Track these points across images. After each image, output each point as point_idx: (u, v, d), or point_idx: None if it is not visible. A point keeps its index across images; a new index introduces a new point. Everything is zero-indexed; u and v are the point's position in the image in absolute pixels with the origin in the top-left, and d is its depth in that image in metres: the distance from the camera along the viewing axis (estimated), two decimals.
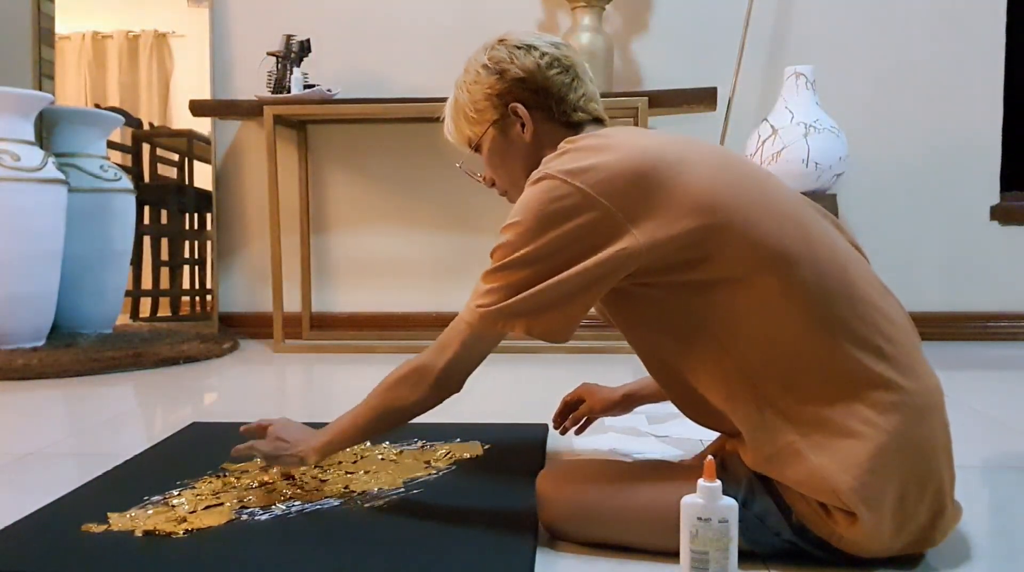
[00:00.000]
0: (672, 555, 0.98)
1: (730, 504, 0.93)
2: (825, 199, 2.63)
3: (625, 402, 1.46)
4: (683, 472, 1.09)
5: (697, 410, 1.10)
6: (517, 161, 1.20)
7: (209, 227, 3.18)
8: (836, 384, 0.97)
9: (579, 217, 1.00)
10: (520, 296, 1.02)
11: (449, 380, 1.13)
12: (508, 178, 1.23)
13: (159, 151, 3.37)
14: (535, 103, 1.17)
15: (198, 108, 2.92)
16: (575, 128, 1.18)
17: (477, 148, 1.23)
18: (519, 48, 1.18)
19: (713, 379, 1.03)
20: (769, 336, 0.99)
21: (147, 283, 3.33)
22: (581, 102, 1.18)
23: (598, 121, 1.21)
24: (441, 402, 1.15)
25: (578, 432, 1.51)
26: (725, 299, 1.00)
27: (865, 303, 1.00)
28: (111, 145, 3.15)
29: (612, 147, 1.04)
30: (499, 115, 1.18)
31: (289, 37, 2.86)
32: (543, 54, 1.17)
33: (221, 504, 1.26)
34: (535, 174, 1.06)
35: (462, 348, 1.11)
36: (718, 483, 0.93)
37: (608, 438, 1.66)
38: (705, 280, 1.00)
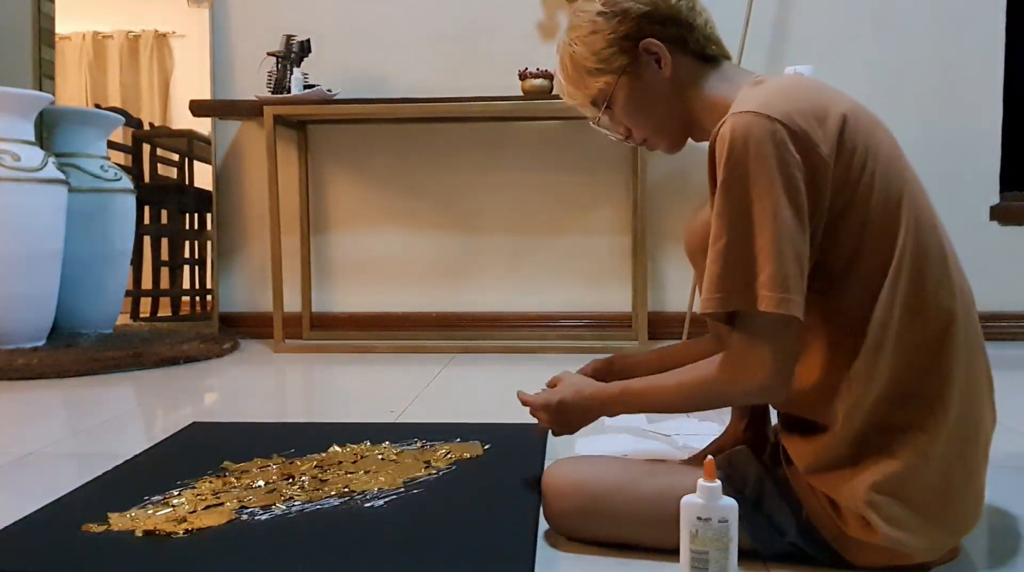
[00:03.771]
0: (675, 552, 0.98)
1: (730, 504, 0.92)
2: None
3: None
4: (689, 469, 1.09)
5: (796, 391, 1.05)
6: (660, 103, 1.11)
7: (209, 227, 3.18)
8: (912, 409, 0.97)
9: (801, 163, 0.93)
10: (785, 260, 0.92)
11: (786, 383, 0.98)
12: (650, 124, 1.13)
13: (159, 151, 3.37)
14: (666, 36, 1.08)
15: (198, 108, 2.92)
16: (713, 63, 1.10)
17: (609, 102, 1.12)
18: None
19: (829, 366, 0.99)
20: (892, 340, 0.96)
21: (147, 283, 3.33)
22: (707, 29, 1.10)
23: (729, 59, 1.14)
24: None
25: None
26: (866, 284, 0.97)
27: (970, 338, 1.00)
28: (111, 145, 3.15)
29: (819, 90, 1.00)
30: (630, 59, 1.09)
31: (289, 37, 2.86)
32: None
33: (221, 504, 1.26)
34: (736, 114, 0.96)
35: (778, 342, 0.95)
36: (718, 483, 0.92)
37: (609, 438, 1.66)
38: (855, 258, 0.97)
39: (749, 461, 1.06)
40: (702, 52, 1.10)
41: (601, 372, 1.38)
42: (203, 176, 3.21)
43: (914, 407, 0.97)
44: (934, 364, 0.97)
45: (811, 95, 0.98)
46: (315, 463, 1.45)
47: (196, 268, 3.32)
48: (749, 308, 0.93)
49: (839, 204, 0.96)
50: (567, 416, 1.19)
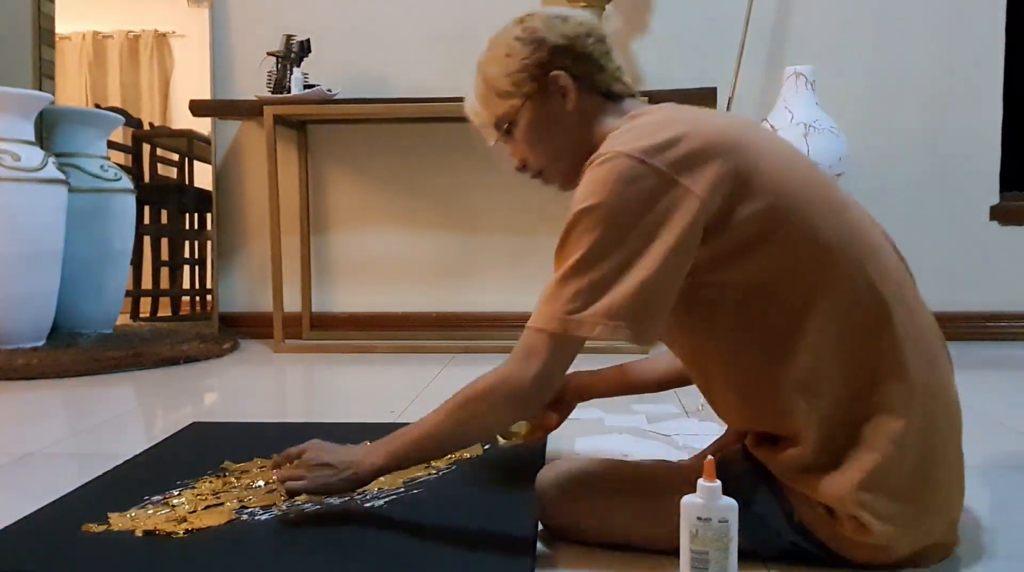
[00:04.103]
0: (672, 554, 0.98)
1: (730, 504, 0.92)
2: None
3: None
4: (685, 471, 1.09)
5: (738, 415, 1.08)
6: (559, 135, 1.13)
7: (209, 227, 3.18)
8: (864, 397, 0.97)
9: (660, 197, 0.95)
10: (616, 292, 0.94)
11: (539, 395, 1.01)
12: (546, 155, 1.15)
13: (159, 151, 3.37)
14: (576, 72, 1.11)
15: (198, 108, 2.92)
16: (616, 100, 1.13)
17: (510, 126, 1.14)
18: (555, 17, 1.13)
19: (765, 390, 1.00)
20: (812, 344, 0.97)
21: (147, 283, 3.34)
22: (618, 73, 1.14)
23: (633, 97, 1.16)
24: (521, 420, 1.06)
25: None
26: (777, 302, 0.98)
27: (915, 316, 1.00)
28: (111, 145, 3.15)
29: (683, 121, 1.00)
30: (536, 87, 1.11)
31: (289, 37, 2.86)
32: (580, 23, 1.13)
33: (221, 504, 1.26)
34: (604, 154, 0.99)
35: (551, 358, 0.99)
36: (718, 483, 0.92)
37: (609, 439, 1.66)
38: (759, 279, 0.97)
39: (744, 463, 1.06)
40: (608, 91, 1.13)
41: (558, 390, 1.41)
42: (203, 176, 3.21)
43: (875, 396, 0.97)
44: (879, 348, 0.97)
45: (677, 128, 0.99)
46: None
47: (196, 268, 3.32)
48: (580, 332, 0.96)
49: (726, 230, 0.96)
50: (322, 455, 1.15)
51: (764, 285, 0.98)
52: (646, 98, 2.60)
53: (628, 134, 1.01)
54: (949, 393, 1.03)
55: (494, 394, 1.02)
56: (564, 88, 1.11)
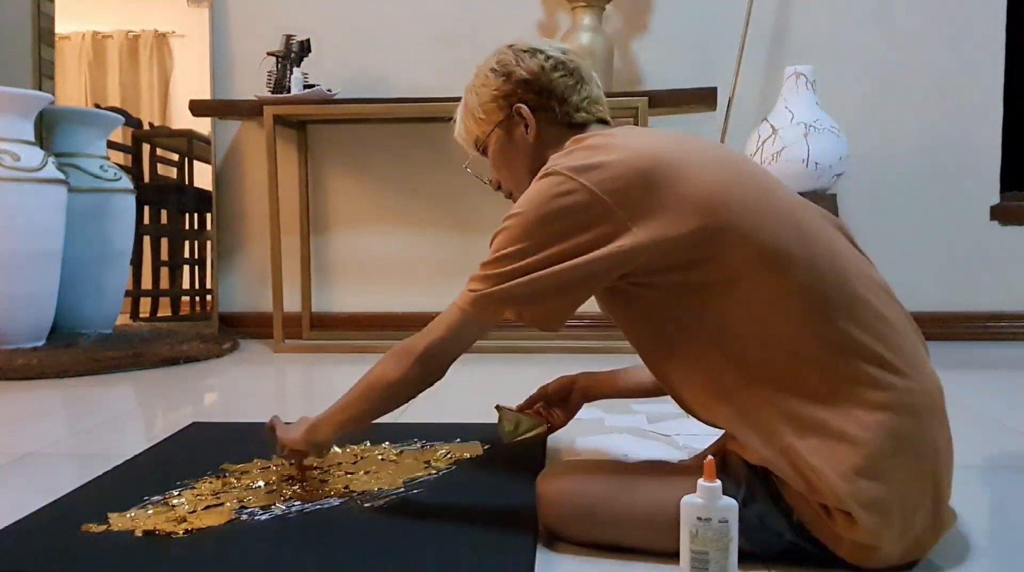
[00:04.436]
0: (672, 556, 0.98)
1: (730, 504, 0.93)
2: (825, 199, 2.63)
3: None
4: (683, 472, 1.09)
5: (699, 409, 1.10)
6: (521, 161, 1.23)
7: (209, 227, 3.18)
8: (832, 386, 0.97)
9: (582, 213, 1.02)
10: (514, 282, 1.05)
11: (431, 361, 1.14)
12: (512, 178, 1.26)
13: (159, 151, 3.37)
14: (539, 105, 1.20)
15: (198, 108, 2.92)
16: (579, 129, 1.20)
17: (483, 149, 1.27)
18: (525, 52, 1.21)
19: (711, 381, 1.03)
20: (765, 338, 0.99)
21: (147, 283, 3.33)
22: (584, 103, 1.21)
23: (602, 122, 1.23)
24: (425, 385, 1.17)
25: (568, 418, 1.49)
26: (721, 301, 1.00)
27: (863, 305, 1.00)
28: (111, 145, 3.15)
29: (618, 146, 1.06)
30: (504, 116, 1.21)
31: (289, 37, 2.86)
32: (548, 57, 1.20)
33: (221, 504, 1.26)
34: (543, 170, 1.09)
35: (448, 331, 1.13)
36: (718, 483, 0.93)
37: (609, 438, 1.66)
38: (702, 282, 1.01)
39: (741, 463, 1.06)
40: (569, 121, 1.21)
41: (565, 389, 1.46)
42: (203, 176, 3.21)
43: (851, 387, 0.97)
44: (847, 339, 0.98)
45: (608, 153, 1.05)
46: (315, 463, 1.45)
47: (196, 268, 3.32)
48: (476, 305, 1.09)
49: (664, 253, 1.00)
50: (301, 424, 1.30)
51: (709, 286, 1.01)
52: (645, 98, 2.62)
53: (567, 156, 1.09)
54: (927, 378, 1.02)
55: (397, 354, 1.15)
56: (526, 119, 1.21)
